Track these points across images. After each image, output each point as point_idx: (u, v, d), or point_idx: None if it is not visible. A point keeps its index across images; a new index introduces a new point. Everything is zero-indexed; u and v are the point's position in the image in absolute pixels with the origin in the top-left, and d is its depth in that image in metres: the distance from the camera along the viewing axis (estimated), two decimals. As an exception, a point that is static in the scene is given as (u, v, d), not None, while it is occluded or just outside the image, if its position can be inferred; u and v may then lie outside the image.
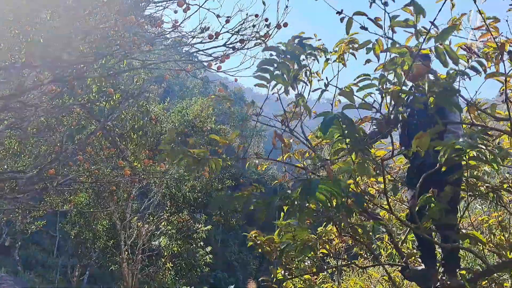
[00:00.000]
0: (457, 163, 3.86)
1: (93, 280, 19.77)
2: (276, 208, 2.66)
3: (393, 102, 2.66)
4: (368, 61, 2.95)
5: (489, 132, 3.75)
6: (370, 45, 2.78)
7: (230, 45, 5.59)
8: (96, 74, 5.97)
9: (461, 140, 2.76)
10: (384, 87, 2.64)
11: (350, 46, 3.58)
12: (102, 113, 6.79)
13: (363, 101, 2.77)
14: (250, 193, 2.86)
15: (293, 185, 2.71)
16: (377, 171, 3.33)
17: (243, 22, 5.69)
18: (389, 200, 3.43)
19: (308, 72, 3.52)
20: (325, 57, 3.60)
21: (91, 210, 13.68)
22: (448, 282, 3.73)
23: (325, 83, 3.53)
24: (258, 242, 5.12)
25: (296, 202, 2.53)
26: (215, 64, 5.76)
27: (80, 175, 8.58)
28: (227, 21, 5.28)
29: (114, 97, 6.70)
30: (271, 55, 2.88)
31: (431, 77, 2.90)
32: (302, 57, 3.07)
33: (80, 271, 18.72)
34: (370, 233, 3.78)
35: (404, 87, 2.71)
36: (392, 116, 2.61)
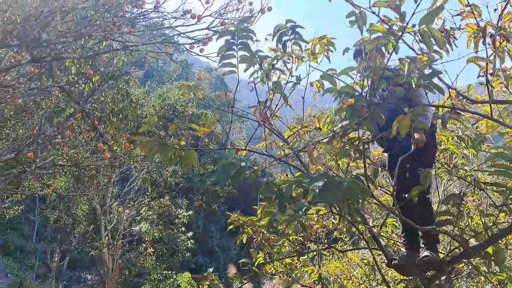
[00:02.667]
0: (432, 145, 3.92)
1: (73, 265, 19.59)
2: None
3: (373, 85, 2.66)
4: (347, 49, 2.96)
5: (468, 116, 3.79)
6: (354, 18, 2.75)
7: (213, 28, 5.52)
8: (75, 55, 5.84)
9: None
10: (365, 70, 2.64)
11: (326, 47, 3.62)
12: (82, 95, 6.66)
13: (346, 84, 2.76)
14: (258, 174, 2.83)
15: (314, 179, 2.70)
16: (358, 155, 3.35)
17: (226, 6, 5.62)
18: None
19: (290, 58, 3.53)
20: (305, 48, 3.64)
21: (71, 194, 13.50)
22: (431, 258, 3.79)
23: (297, 77, 3.57)
24: (240, 221, 5.14)
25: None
26: (198, 47, 5.68)
27: (59, 159, 8.45)
28: (208, 1, 5.21)
29: (93, 79, 6.57)
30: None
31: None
32: (285, 38, 3.07)
33: (60, 257, 18.55)
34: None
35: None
36: (371, 97, 2.62)
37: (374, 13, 2.73)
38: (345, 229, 5.74)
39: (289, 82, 3.61)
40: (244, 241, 5.14)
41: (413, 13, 2.32)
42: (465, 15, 2.99)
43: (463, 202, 3.74)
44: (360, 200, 2.70)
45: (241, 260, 5.30)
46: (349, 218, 4.10)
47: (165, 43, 5.35)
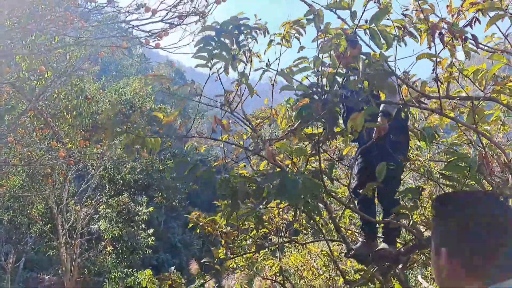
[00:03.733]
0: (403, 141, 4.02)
1: (30, 266, 19.03)
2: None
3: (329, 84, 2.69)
4: (302, 48, 2.99)
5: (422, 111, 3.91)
6: (311, 16, 2.77)
7: (168, 21, 5.44)
8: (25, 51, 5.65)
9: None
10: (320, 69, 2.67)
11: (295, 27, 3.59)
12: (33, 92, 6.46)
13: (300, 83, 2.79)
14: (213, 171, 2.83)
15: (269, 177, 2.73)
16: (313, 151, 3.39)
17: (181, -1, 5.54)
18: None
19: (247, 52, 3.51)
20: (269, 37, 3.61)
21: (25, 194, 13.10)
22: (386, 250, 3.90)
23: (267, 63, 3.55)
24: (201, 223, 5.13)
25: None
26: (153, 41, 5.60)
27: (11, 158, 8.19)
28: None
29: (46, 75, 6.38)
30: (208, 34, 2.83)
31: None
32: (241, 37, 3.06)
33: (16, 257, 17.97)
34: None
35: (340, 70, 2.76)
36: (327, 97, 2.65)
37: (331, 10, 2.76)
38: (304, 222, 5.81)
39: (259, 69, 3.56)
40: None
41: (363, 12, 2.36)
42: (415, 11, 3.08)
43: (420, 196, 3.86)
44: (314, 197, 2.75)
45: (203, 260, 5.28)
46: (306, 212, 4.16)
47: (119, 36, 5.24)
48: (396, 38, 2.90)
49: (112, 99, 16.26)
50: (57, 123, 7.38)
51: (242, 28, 2.77)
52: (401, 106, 3.13)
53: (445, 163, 3.14)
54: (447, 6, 3.15)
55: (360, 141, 3.97)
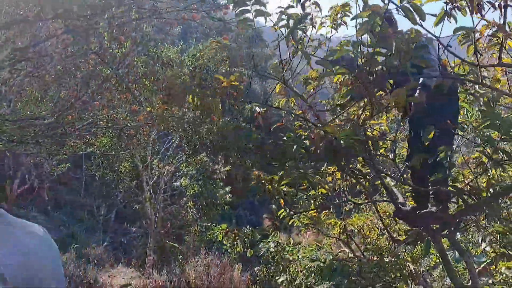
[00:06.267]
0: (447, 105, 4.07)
1: (120, 219, 20.70)
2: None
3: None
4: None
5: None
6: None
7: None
8: (105, 23, 6.18)
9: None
10: (360, 49, 2.85)
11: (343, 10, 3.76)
12: (114, 59, 7.05)
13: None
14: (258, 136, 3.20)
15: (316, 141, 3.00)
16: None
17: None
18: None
19: (309, 22, 3.74)
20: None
21: (113, 152, 14.17)
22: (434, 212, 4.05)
23: (319, 42, 3.78)
24: (263, 181, 5.50)
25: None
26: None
27: (99, 120, 8.97)
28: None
29: (125, 44, 6.93)
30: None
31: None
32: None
33: (107, 210, 19.69)
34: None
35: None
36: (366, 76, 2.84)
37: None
38: (367, 183, 5.99)
39: (310, 46, 3.81)
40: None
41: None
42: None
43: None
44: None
45: (264, 215, 5.71)
46: (353, 175, 4.39)
47: (187, 10, 5.58)
48: (445, 13, 3.00)
49: (189, 63, 16.85)
50: (137, 88, 7.99)
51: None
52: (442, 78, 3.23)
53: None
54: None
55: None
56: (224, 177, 17.99)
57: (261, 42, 43.17)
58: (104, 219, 19.07)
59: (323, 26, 3.96)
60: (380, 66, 2.93)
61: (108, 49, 7.02)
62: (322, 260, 6.03)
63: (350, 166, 4.18)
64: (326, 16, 3.95)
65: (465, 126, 4.58)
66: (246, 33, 34.63)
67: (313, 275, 5.61)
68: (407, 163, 4.23)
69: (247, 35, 37.92)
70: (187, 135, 15.93)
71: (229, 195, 17.80)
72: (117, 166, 15.84)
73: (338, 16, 3.71)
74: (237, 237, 6.81)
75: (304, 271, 6.14)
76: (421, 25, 2.66)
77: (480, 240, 4.43)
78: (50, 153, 10.74)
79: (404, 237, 4.75)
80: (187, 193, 16.63)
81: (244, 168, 18.68)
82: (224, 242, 9.52)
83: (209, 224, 16.44)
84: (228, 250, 10.54)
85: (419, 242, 4.41)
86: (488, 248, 5.39)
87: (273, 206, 5.65)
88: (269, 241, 8.76)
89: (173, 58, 11.64)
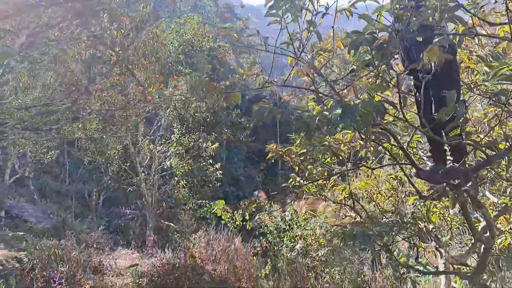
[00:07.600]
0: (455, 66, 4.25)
1: (108, 203, 20.60)
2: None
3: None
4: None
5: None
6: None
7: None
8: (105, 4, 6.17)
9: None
10: (397, 7, 2.98)
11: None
12: (115, 41, 7.04)
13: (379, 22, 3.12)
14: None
15: (333, 107, 3.11)
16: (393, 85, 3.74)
17: None
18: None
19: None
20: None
21: (103, 136, 14.09)
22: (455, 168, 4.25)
23: (325, 7, 3.87)
24: (280, 152, 5.67)
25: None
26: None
27: (92, 104, 8.95)
28: None
29: (125, 25, 6.92)
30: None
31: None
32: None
33: (98, 195, 19.63)
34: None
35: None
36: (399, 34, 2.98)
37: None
38: (372, 149, 6.17)
39: (319, 12, 3.88)
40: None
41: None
42: None
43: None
44: (373, 121, 3.13)
45: (283, 185, 5.92)
46: (374, 140, 4.55)
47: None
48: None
49: (174, 40, 16.74)
50: (137, 69, 7.99)
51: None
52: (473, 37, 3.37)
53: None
54: None
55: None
56: (213, 154, 18.11)
57: (233, 16, 42.79)
58: (95, 204, 19.04)
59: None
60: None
61: (107, 30, 7.00)
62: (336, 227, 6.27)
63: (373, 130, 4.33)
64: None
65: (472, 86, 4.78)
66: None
67: (336, 239, 5.84)
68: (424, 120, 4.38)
69: (219, 12, 37.60)
70: (179, 113, 15.92)
71: (220, 171, 17.97)
72: (106, 149, 15.76)
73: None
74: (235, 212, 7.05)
75: (324, 236, 6.38)
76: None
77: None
78: (62, 138, 10.61)
79: (428, 193, 4.97)
80: (177, 172, 16.71)
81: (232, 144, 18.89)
82: (223, 217, 9.76)
83: (202, 201, 16.61)
84: (228, 225, 10.77)
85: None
86: (496, 200, 5.71)
87: (293, 174, 5.82)
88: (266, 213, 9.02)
89: (159, 34, 11.55)
